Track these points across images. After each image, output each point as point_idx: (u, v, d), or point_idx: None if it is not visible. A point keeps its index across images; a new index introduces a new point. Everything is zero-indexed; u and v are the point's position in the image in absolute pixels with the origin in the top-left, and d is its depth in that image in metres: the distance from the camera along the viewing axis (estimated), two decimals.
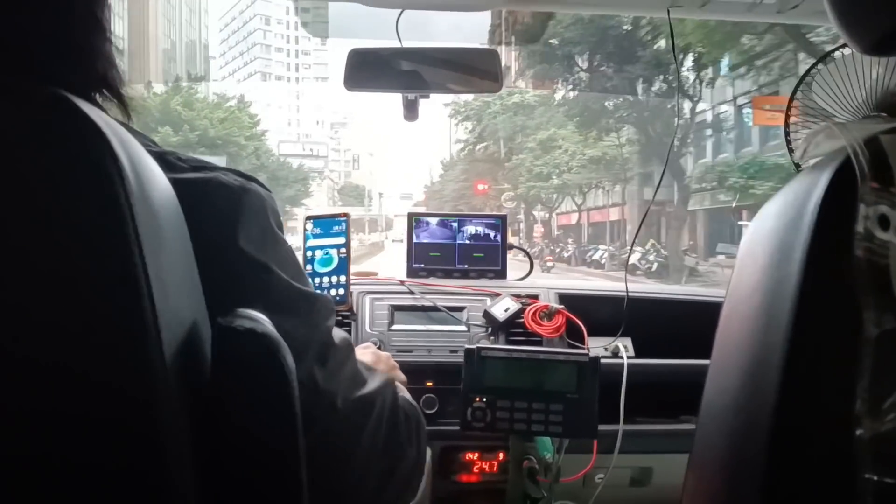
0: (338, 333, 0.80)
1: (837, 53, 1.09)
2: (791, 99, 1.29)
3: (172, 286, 0.55)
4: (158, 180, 0.56)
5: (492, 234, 1.87)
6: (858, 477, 0.49)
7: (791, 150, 1.31)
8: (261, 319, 0.60)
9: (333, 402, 0.75)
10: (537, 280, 1.89)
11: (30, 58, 0.58)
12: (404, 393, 1.02)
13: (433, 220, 1.89)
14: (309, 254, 1.58)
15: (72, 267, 0.49)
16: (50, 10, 0.59)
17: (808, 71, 1.25)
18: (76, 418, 0.50)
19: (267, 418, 0.59)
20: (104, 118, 0.51)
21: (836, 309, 0.51)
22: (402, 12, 1.42)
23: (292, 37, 78.93)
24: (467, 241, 1.87)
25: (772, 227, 0.58)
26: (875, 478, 0.50)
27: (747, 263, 0.62)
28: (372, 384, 0.84)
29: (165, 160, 0.65)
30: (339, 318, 1.61)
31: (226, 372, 0.58)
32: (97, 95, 0.66)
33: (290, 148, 66.35)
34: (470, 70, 1.54)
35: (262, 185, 0.73)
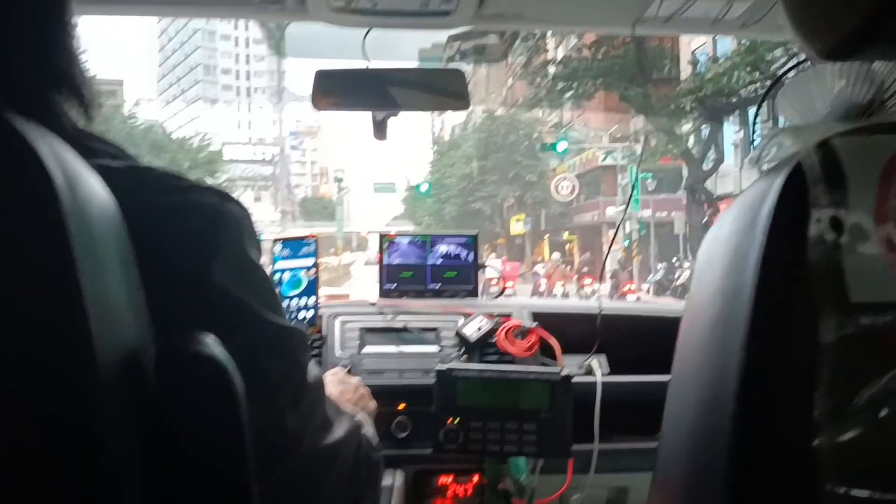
0: (312, 371, 0.77)
1: (801, 68, 1.10)
2: (756, 114, 1.30)
3: (113, 308, 0.53)
4: (99, 199, 0.54)
5: (463, 253, 1.86)
6: (820, 489, 0.48)
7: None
8: (208, 342, 0.57)
9: (299, 446, 0.72)
10: (510, 298, 1.88)
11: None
12: (369, 430, 0.98)
13: (405, 241, 1.88)
14: (277, 276, 1.56)
15: (4, 289, 0.47)
16: (12, 8, 0.56)
17: (772, 85, 1.26)
18: (15, 443, 0.48)
19: (215, 445, 0.57)
20: (41, 135, 0.49)
21: (792, 315, 0.50)
22: (368, 31, 1.42)
23: (242, 55, 71.30)
24: (439, 261, 1.86)
25: (728, 234, 0.57)
26: (838, 489, 0.48)
27: (705, 271, 0.61)
28: (338, 431, 0.81)
29: (136, 178, 0.62)
30: (309, 341, 1.58)
31: (170, 396, 0.56)
32: (56, 94, 0.61)
33: (237, 152, 58.60)
34: (437, 89, 1.54)
35: (237, 202, 0.69)
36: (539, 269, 20.30)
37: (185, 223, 0.63)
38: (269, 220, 52.93)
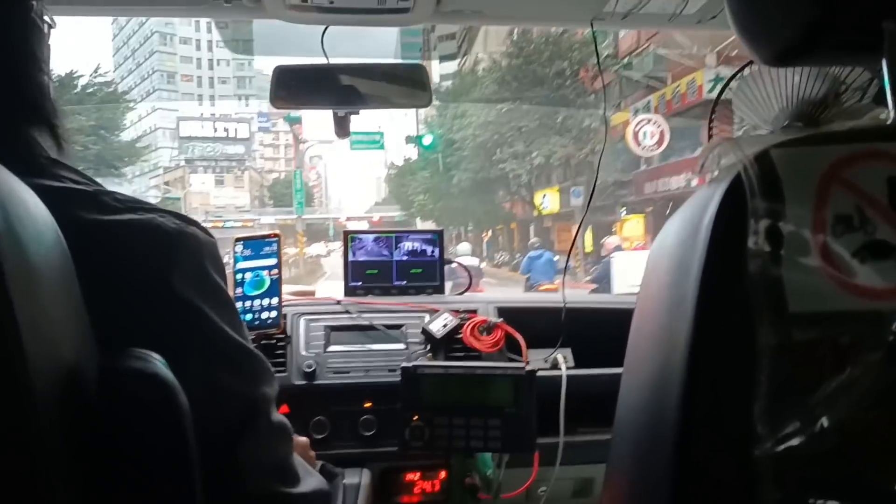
0: (277, 416, 0.76)
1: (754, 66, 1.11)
2: (713, 110, 1.31)
3: (49, 327, 0.52)
4: (37, 221, 0.53)
5: (429, 249, 1.86)
6: (759, 496, 0.49)
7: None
8: (150, 359, 0.57)
9: (242, 484, 0.69)
10: (476, 294, 1.88)
11: None
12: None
13: (370, 237, 1.87)
14: (239, 276, 1.54)
15: None
16: None
17: (729, 81, 1.28)
18: None
19: (159, 462, 0.57)
20: None
21: (732, 326, 0.51)
22: (326, 29, 1.40)
23: (205, 60, 63.96)
24: (405, 258, 1.85)
25: (671, 244, 0.58)
26: (776, 496, 0.49)
27: (651, 280, 0.61)
28: (304, 487, 0.78)
29: (98, 200, 0.64)
30: (273, 342, 1.57)
31: (111, 415, 0.55)
32: (27, 125, 0.65)
33: (195, 128, 52.43)
34: (399, 85, 1.53)
35: (202, 228, 0.71)
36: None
37: (146, 239, 0.64)
38: (234, 206, 48.54)
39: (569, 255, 1.98)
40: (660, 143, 15.73)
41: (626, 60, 18.38)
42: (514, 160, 22.39)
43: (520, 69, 21.15)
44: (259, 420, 0.72)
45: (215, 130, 53.61)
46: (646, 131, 15.35)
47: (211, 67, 64.58)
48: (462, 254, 10.32)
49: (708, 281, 0.51)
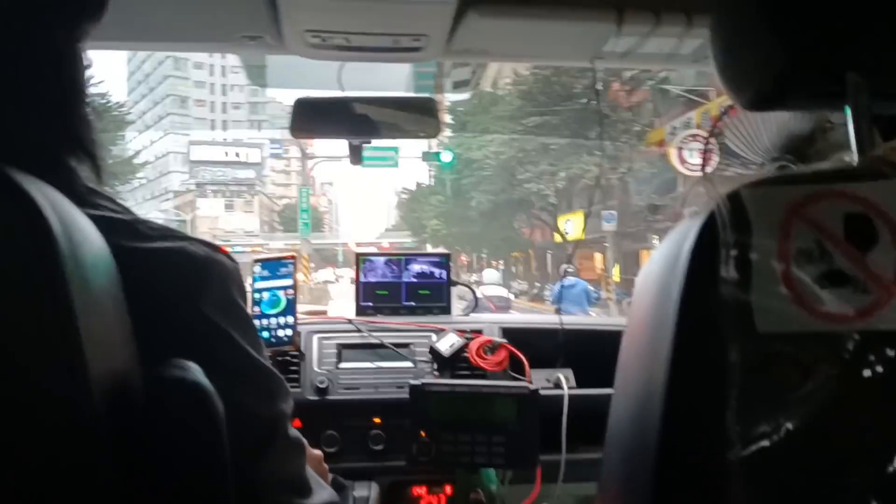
0: (293, 430, 0.80)
1: None
2: (707, 141, 1.39)
3: (105, 340, 0.59)
4: (92, 242, 0.60)
5: (437, 272, 1.93)
6: (732, 494, 0.56)
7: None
8: (191, 368, 0.63)
9: (259, 496, 0.73)
10: (481, 315, 1.95)
11: (13, 116, 0.63)
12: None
13: (380, 259, 1.94)
14: (256, 296, 1.61)
15: (8, 330, 0.53)
16: (32, 73, 0.64)
17: (719, 118, 1.35)
18: (16, 455, 0.53)
19: (196, 467, 0.63)
20: (40, 187, 0.55)
21: (707, 344, 0.58)
22: (343, 64, 1.49)
23: (218, 85, 62.11)
24: (413, 279, 1.93)
25: (655, 271, 0.65)
26: (746, 493, 0.56)
27: (638, 305, 0.68)
28: (316, 499, 0.82)
29: (134, 229, 0.69)
30: (288, 358, 1.64)
31: (155, 421, 0.62)
32: (71, 155, 0.69)
33: (206, 152, 51.17)
34: (410, 116, 1.62)
35: (228, 255, 0.75)
36: None
37: (178, 265, 0.70)
38: (243, 231, 47.20)
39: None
40: (707, 161, 14.07)
41: (663, 75, 16.97)
42: (539, 181, 20.85)
43: (548, 81, 19.51)
44: (277, 436, 0.76)
45: (226, 155, 52.59)
46: (692, 149, 13.08)
47: (224, 93, 63.23)
48: (489, 282, 9.17)
49: (686, 305, 0.58)
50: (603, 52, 1.38)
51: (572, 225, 22.22)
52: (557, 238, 23.55)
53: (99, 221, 0.64)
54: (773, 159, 1.26)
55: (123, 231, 0.68)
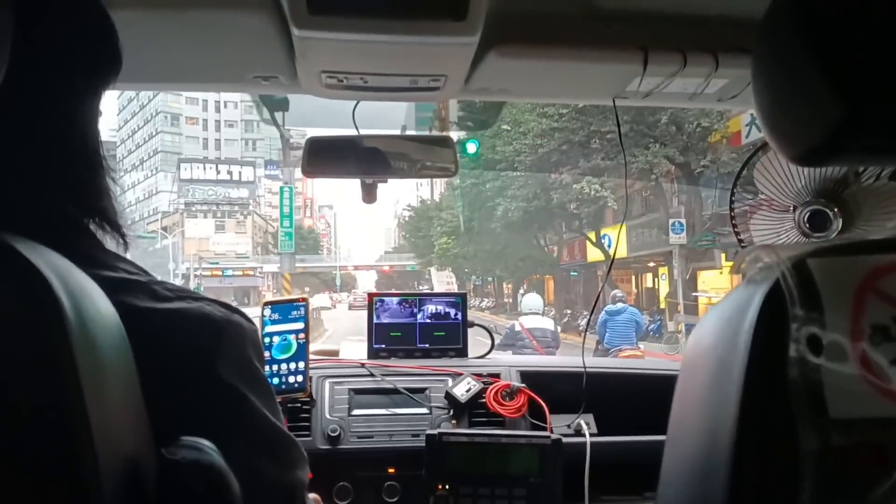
0: (309, 500, 0.79)
1: None
2: (734, 184, 1.34)
3: (115, 422, 0.54)
4: (104, 315, 0.56)
5: (452, 312, 1.88)
6: None
7: (737, 233, 1.36)
8: (206, 448, 0.59)
9: None
10: (499, 357, 1.89)
11: (33, 188, 0.63)
12: None
13: (393, 300, 1.90)
14: (267, 340, 1.56)
15: (10, 414, 0.49)
16: (56, 149, 0.65)
17: (750, 158, 1.31)
18: None
19: None
20: (48, 259, 0.51)
21: (775, 429, 0.53)
22: (357, 103, 1.46)
23: (211, 102, 58.45)
24: (428, 320, 1.88)
25: (710, 344, 0.60)
26: None
27: (691, 375, 0.63)
28: None
29: (151, 290, 0.67)
30: (299, 405, 1.59)
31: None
32: (92, 224, 0.69)
33: (197, 171, 48.94)
34: (427, 155, 1.58)
35: (245, 317, 0.73)
36: None
37: (196, 326, 0.67)
38: (235, 253, 45.59)
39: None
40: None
41: None
42: (589, 182, 16.46)
43: None
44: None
45: (218, 173, 49.97)
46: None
47: (218, 110, 60.29)
48: (530, 311, 6.65)
49: (750, 386, 0.53)
50: (625, 92, 1.35)
51: (612, 238, 18.78)
52: (593, 255, 19.90)
53: (113, 282, 0.62)
54: (804, 203, 1.22)
55: (139, 291, 0.66)
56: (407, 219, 41.87)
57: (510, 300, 27.38)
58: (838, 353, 0.52)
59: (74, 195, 0.66)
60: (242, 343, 0.71)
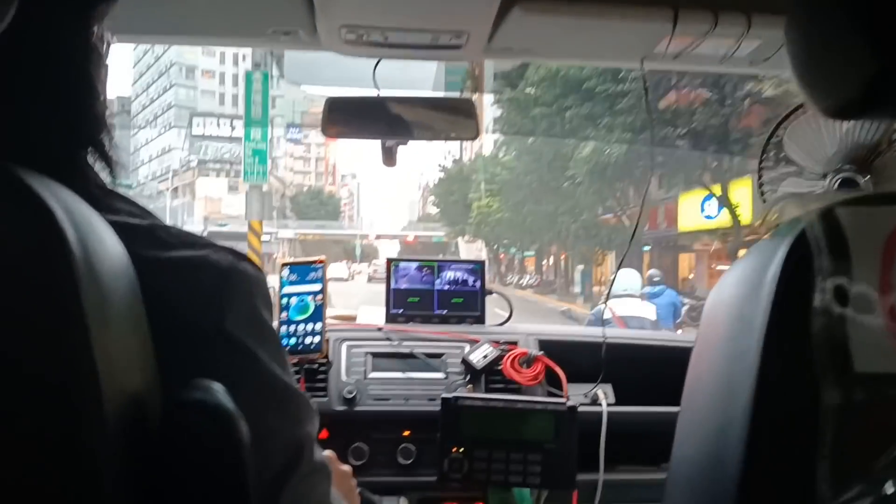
0: (318, 454, 0.76)
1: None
2: (763, 151, 1.30)
3: (120, 357, 0.54)
4: (111, 253, 0.55)
5: (470, 279, 1.87)
6: None
7: (764, 200, 1.32)
8: (214, 389, 0.58)
9: None
10: (517, 325, 1.88)
11: (20, 113, 0.60)
12: None
13: (412, 265, 1.89)
14: (284, 300, 1.57)
15: (17, 339, 0.48)
16: (45, 71, 0.61)
17: (780, 123, 1.27)
18: (20, 482, 0.49)
19: (217, 493, 0.58)
20: (55, 191, 0.51)
21: (796, 384, 0.51)
22: (378, 61, 1.43)
23: (229, 54, 54.31)
24: (446, 287, 1.87)
25: (731, 297, 0.58)
26: None
27: (709, 332, 0.61)
28: None
29: (153, 235, 0.65)
30: (315, 366, 1.59)
31: (174, 446, 0.57)
32: (86, 154, 0.66)
33: (210, 126, 45.45)
34: (447, 118, 1.56)
35: (253, 264, 0.71)
36: None
37: (201, 277, 0.65)
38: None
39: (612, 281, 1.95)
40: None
41: None
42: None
43: None
44: (302, 461, 0.72)
45: (233, 129, 44.18)
46: None
47: (236, 63, 55.35)
48: (624, 291, 5.26)
49: (772, 337, 0.51)
50: (654, 54, 1.31)
51: (713, 206, 14.51)
52: (684, 224, 15.21)
53: (116, 227, 0.59)
54: (834, 170, 1.18)
55: (141, 238, 0.63)
56: (437, 183, 37.86)
57: (562, 278, 23.04)
58: (865, 304, 0.50)
59: (64, 122, 0.64)
60: (250, 294, 0.69)
